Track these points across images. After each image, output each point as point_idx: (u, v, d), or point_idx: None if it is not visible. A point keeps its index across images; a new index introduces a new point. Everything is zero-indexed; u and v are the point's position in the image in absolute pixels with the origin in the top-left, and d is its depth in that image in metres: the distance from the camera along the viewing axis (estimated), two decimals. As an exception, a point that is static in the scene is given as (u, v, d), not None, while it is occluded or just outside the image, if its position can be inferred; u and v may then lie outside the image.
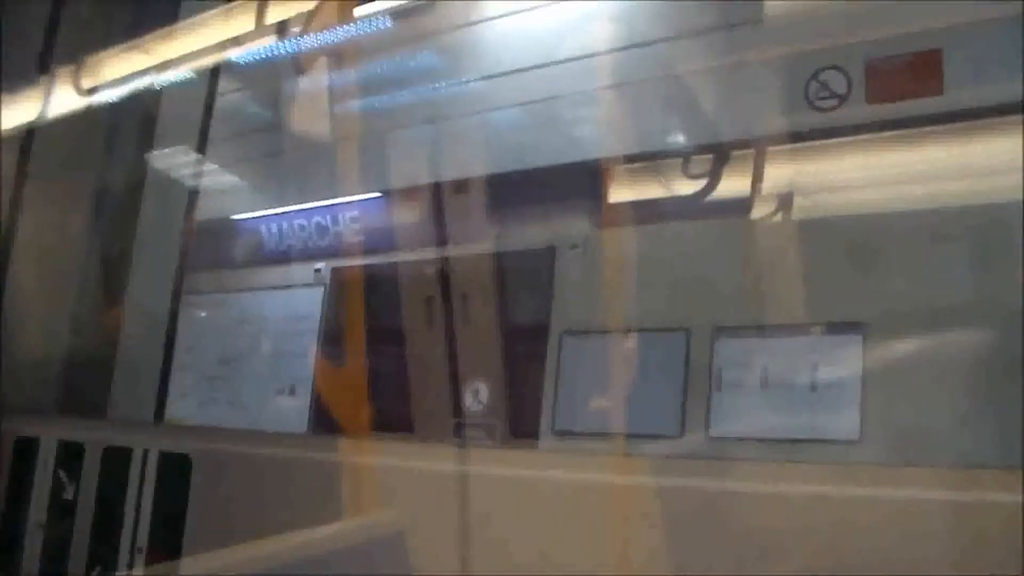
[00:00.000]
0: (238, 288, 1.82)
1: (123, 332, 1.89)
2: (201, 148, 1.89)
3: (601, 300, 1.34)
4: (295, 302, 1.72)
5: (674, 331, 1.25)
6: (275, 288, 1.77)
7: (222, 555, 1.27)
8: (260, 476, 1.31)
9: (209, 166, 1.91)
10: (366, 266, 1.65)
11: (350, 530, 1.21)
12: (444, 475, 1.13)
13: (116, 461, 1.49)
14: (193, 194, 1.89)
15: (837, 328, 1.12)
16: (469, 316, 1.45)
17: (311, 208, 1.76)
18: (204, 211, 1.88)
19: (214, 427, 1.65)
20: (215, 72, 1.88)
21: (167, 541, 1.37)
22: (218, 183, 1.92)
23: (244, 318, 1.77)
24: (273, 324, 1.71)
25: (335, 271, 1.69)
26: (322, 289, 1.70)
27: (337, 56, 1.75)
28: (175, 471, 1.39)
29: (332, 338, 1.65)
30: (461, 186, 1.52)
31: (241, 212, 1.87)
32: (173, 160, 1.94)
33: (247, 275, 1.83)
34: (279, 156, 1.81)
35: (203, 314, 1.84)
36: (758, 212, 1.26)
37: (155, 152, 1.98)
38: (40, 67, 1.96)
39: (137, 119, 2.02)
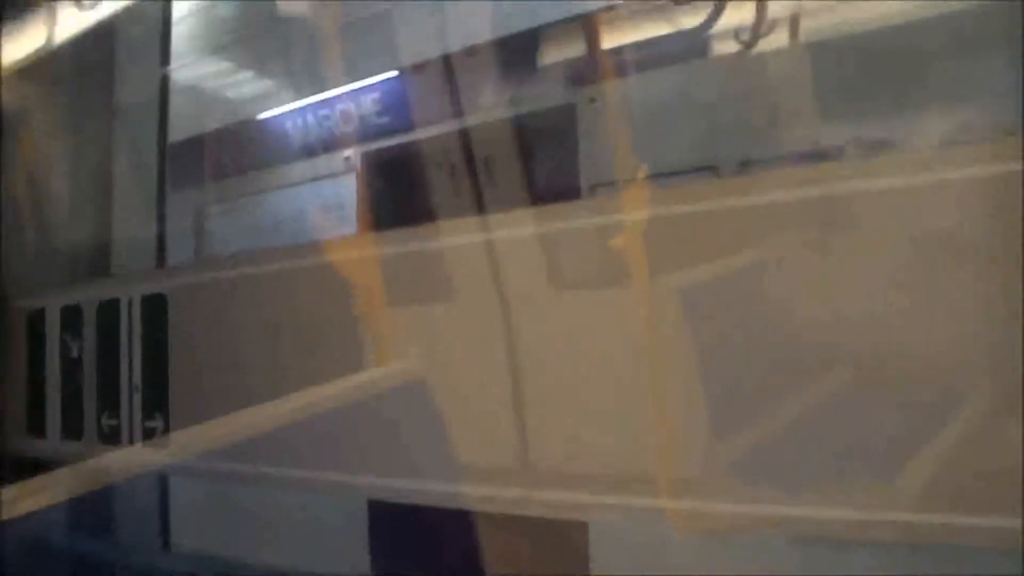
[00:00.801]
0: (269, 189, 1.85)
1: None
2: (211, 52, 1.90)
3: (627, 149, 1.34)
4: (328, 192, 1.74)
5: (702, 170, 1.25)
6: (307, 182, 1.80)
7: (246, 415, 1.33)
8: (233, 298, 1.38)
9: (220, 69, 1.93)
10: (394, 147, 1.67)
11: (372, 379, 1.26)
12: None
13: (108, 313, 1.57)
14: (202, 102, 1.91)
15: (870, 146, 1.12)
16: (497, 182, 1.46)
17: (332, 97, 1.76)
18: (218, 118, 1.90)
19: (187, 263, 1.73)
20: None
21: (156, 376, 1.45)
22: (232, 85, 1.94)
23: (279, 219, 1.80)
24: (308, 217, 1.74)
25: (364, 156, 1.71)
26: (353, 176, 1.71)
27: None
28: (155, 310, 1.46)
29: (368, 224, 1.67)
30: (471, 53, 1.52)
31: (264, 111, 1.89)
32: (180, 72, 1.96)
33: (278, 174, 1.85)
34: (291, 51, 1.82)
35: (235, 218, 1.87)
36: (769, 40, 1.25)
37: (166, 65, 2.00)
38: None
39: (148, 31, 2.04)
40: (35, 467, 1.71)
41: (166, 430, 1.42)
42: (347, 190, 1.73)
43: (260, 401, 1.35)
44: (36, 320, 1.73)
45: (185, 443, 1.47)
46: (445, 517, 1.23)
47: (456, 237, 1.23)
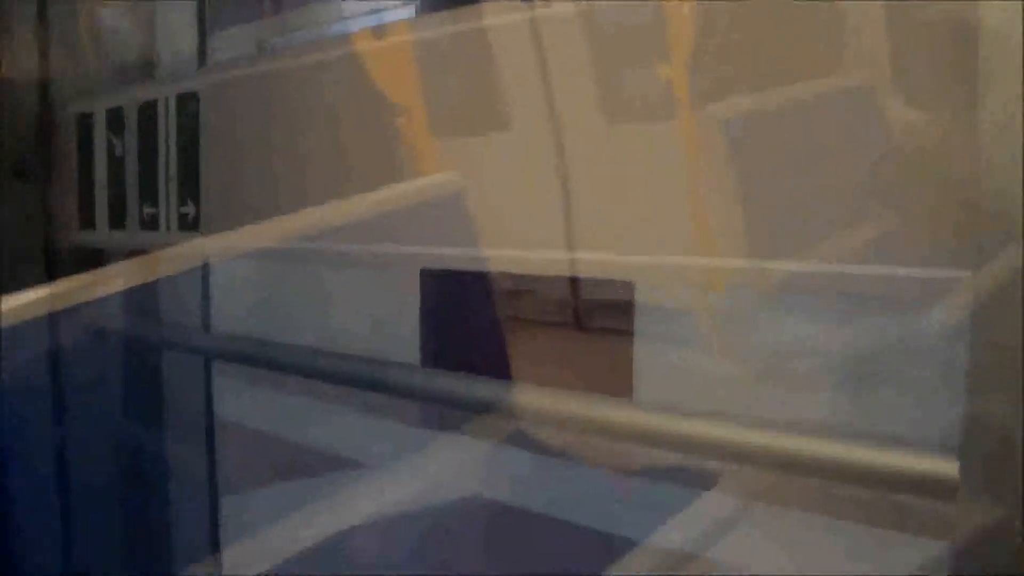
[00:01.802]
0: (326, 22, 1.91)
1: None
2: None
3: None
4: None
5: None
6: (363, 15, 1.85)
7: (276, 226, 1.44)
8: (260, 93, 1.47)
9: None
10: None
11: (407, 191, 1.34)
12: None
13: (148, 113, 1.68)
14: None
15: None
16: None
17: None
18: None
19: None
20: None
21: (189, 168, 1.56)
22: None
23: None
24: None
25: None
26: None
27: None
28: (189, 107, 1.57)
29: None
30: None
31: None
32: None
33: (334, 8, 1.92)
34: None
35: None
36: None
37: None
38: None
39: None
40: (88, 256, 1.87)
41: (197, 216, 1.54)
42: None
43: (285, 189, 1.44)
44: (86, 123, 1.85)
45: (234, 242, 1.59)
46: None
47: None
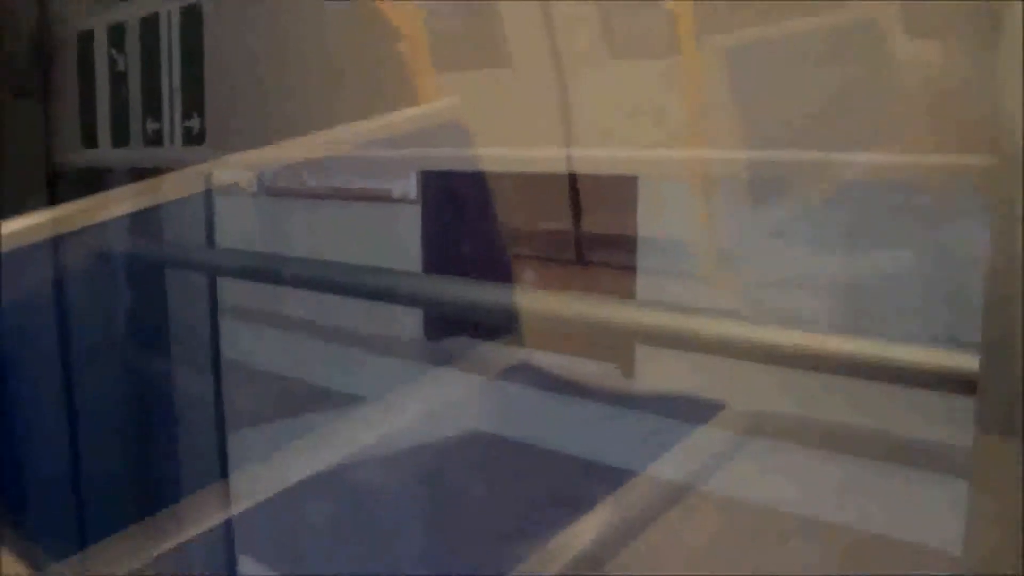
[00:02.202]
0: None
1: None
2: None
3: None
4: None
5: None
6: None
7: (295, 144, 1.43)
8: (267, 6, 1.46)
9: None
10: None
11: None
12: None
13: (150, 28, 1.66)
14: None
15: None
16: None
17: None
18: None
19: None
20: None
21: (193, 82, 1.55)
22: None
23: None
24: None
25: None
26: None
27: None
28: (192, 21, 1.55)
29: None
30: None
31: None
32: None
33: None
34: None
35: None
36: None
37: None
38: None
39: None
40: (91, 176, 1.86)
41: (202, 129, 1.53)
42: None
43: (289, 102, 1.44)
44: (86, 39, 1.83)
45: (238, 161, 1.58)
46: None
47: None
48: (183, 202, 1.95)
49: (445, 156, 1.30)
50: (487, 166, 1.23)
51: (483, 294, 1.18)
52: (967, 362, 0.79)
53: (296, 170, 6.17)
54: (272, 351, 5.10)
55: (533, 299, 1.08)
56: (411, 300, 1.45)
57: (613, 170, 1.16)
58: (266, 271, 1.59)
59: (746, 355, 0.96)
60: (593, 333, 1.19)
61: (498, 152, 1.13)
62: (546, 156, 1.11)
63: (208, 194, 2.01)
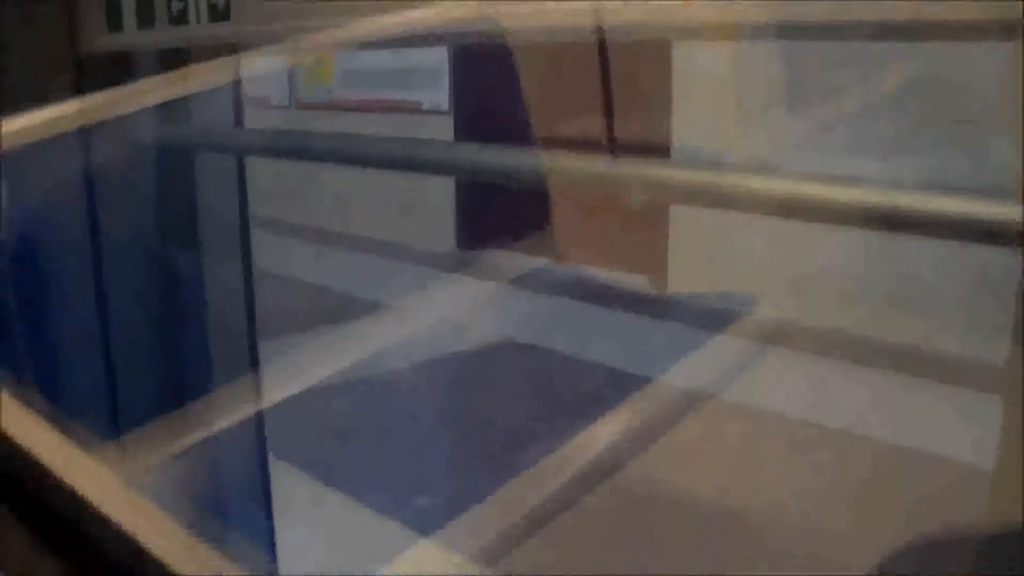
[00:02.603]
0: None
1: None
2: None
3: None
4: None
5: None
6: None
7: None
8: None
9: None
10: None
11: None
12: None
13: None
14: None
15: None
16: None
17: None
18: None
19: None
20: None
21: None
22: None
23: None
24: None
25: None
26: None
27: None
28: None
29: None
30: None
31: None
32: None
33: None
34: None
35: None
36: None
37: None
38: None
39: None
40: (117, 61, 1.84)
41: (227, 4, 1.50)
42: None
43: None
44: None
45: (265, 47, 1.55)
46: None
47: None
48: (213, 100, 1.93)
49: (477, 30, 1.27)
50: (515, 27, 1.20)
51: (516, 159, 1.16)
52: (1011, 212, 0.76)
53: (325, 83, 6.12)
54: (302, 261, 5.11)
55: (565, 160, 1.05)
56: (441, 169, 1.43)
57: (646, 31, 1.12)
58: (297, 148, 1.56)
59: (784, 211, 0.93)
60: (624, 194, 1.16)
61: (525, 9, 1.10)
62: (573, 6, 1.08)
63: (237, 85, 1.98)
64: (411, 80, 5.42)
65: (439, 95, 5.35)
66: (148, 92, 1.88)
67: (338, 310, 3.89)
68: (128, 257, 2.13)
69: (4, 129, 1.96)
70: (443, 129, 5.24)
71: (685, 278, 4.28)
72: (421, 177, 4.89)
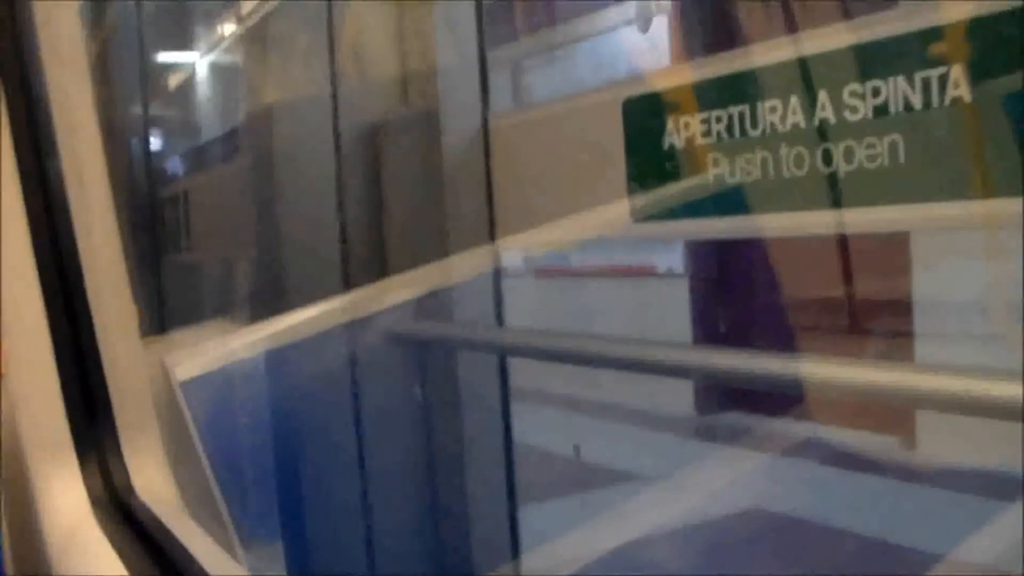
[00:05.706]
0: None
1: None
2: None
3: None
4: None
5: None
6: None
7: None
8: None
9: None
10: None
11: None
12: None
13: None
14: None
15: None
16: None
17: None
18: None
19: None
20: None
21: None
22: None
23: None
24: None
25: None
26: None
27: None
28: None
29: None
30: None
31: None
32: None
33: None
34: None
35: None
36: None
37: None
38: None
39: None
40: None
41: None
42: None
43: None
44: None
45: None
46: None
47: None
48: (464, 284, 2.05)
49: (718, 227, 1.33)
50: (758, 232, 1.24)
51: (763, 364, 1.19)
52: None
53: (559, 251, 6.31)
54: (542, 427, 5.19)
55: (813, 367, 1.08)
56: (698, 375, 1.47)
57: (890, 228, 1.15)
58: (553, 350, 1.65)
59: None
60: (874, 400, 1.17)
61: (768, 219, 1.15)
62: (819, 220, 1.12)
63: (496, 274, 2.10)
64: (645, 243, 5.52)
65: (673, 258, 5.41)
66: (408, 284, 2.03)
67: (585, 481, 3.91)
68: (388, 437, 2.24)
69: (278, 327, 2.18)
70: (678, 290, 5.28)
71: (935, 437, 4.07)
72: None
